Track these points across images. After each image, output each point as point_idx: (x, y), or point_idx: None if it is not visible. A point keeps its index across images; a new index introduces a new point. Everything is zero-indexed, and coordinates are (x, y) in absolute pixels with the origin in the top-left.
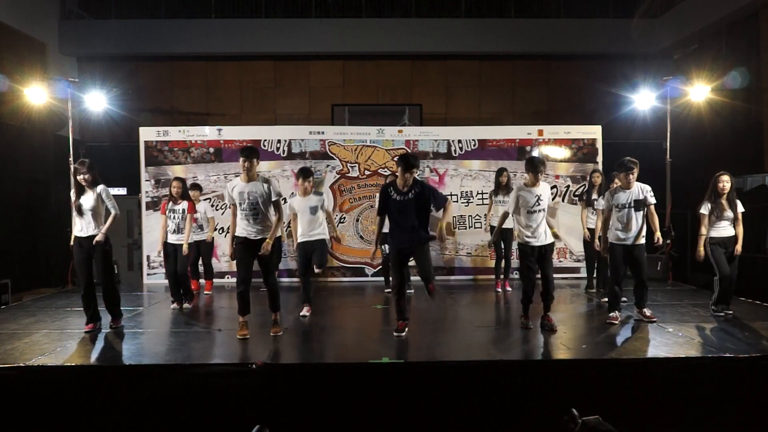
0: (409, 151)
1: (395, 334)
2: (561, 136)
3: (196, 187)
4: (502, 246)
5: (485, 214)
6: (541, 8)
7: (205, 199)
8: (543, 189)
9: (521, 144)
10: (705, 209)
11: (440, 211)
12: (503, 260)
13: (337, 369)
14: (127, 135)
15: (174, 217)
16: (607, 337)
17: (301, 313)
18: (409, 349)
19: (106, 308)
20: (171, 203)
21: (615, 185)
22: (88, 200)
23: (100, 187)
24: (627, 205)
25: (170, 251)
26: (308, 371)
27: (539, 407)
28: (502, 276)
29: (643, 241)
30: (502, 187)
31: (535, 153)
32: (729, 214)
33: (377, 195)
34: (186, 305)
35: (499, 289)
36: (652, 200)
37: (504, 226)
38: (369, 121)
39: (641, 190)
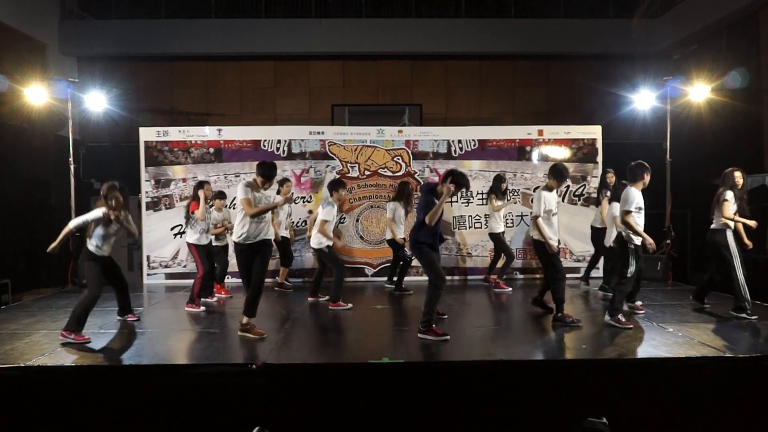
0: (410, 151)
1: (446, 339)
2: (561, 136)
3: (222, 195)
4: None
5: (486, 214)
6: (541, 8)
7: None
8: (555, 193)
9: (521, 144)
10: (730, 196)
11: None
12: (507, 258)
13: (337, 369)
14: (127, 135)
15: (209, 221)
16: (607, 337)
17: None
18: (409, 349)
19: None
20: (206, 206)
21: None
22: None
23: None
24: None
25: (210, 253)
26: (308, 371)
27: (539, 407)
28: (495, 275)
29: None
30: (500, 193)
31: (534, 153)
32: (735, 208)
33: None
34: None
35: (502, 289)
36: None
37: (499, 229)
38: (369, 121)
39: None
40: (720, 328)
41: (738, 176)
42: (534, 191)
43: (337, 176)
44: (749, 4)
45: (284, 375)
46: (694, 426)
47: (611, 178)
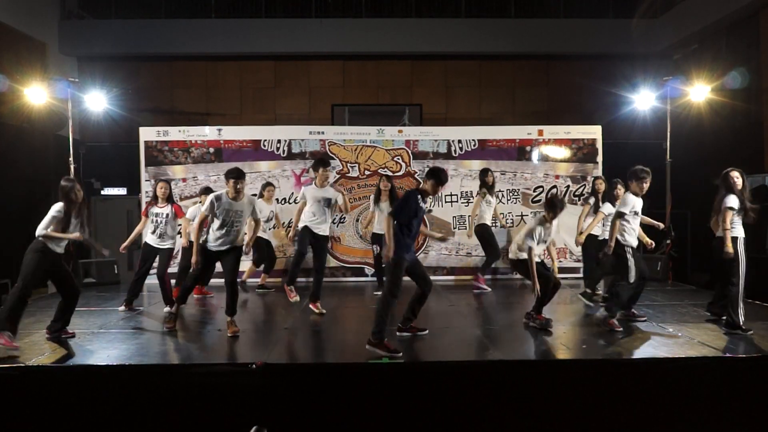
0: (410, 151)
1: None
2: (561, 136)
3: (209, 191)
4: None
5: (470, 215)
6: (541, 8)
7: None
8: (554, 225)
9: (521, 144)
10: (734, 203)
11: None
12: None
13: (337, 369)
14: (127, 135)
15: (157, 221)
16: (607, 337)
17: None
18: (409, 349)
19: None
20: (154, 206)
21: (618, 192)
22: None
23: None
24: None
25: (149, 253)
26: (308, 371)
27: (539, 407)
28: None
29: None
30: (489, 187)
31: (535, 153)
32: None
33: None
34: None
35: (483, 286)
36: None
37: (484, 221)
38: (369, 121)
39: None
40: (720, 328)
41: (735, 176)
42: (534, 191)
43: (337, 173)
44: (749, 4)
45: (284, 375)
46: (694, 426)
47: (600, 185)
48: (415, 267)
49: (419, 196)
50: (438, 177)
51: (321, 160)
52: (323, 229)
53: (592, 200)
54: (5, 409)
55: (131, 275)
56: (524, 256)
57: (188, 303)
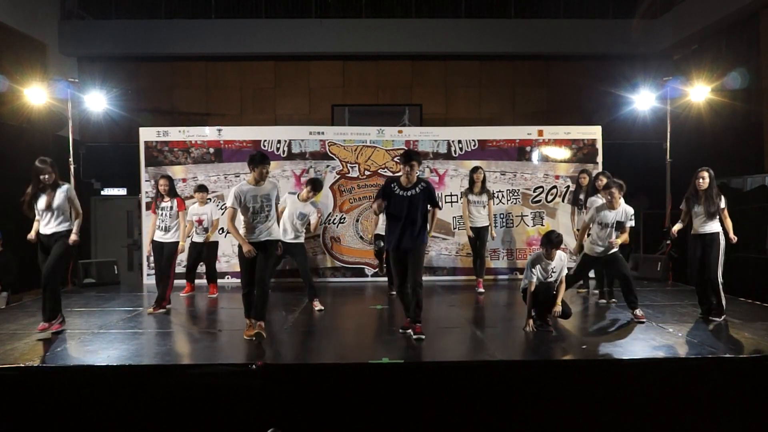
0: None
1: (400, 330)
2: (561, 136)
3: (203, 188)
4: (477, 244)
5: (462, 215)
6: (541, 8)
7: (209, 199)
8: (557, 261)
9: (521, 144)
10: (682, 204)
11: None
12: (478, 258)
13: (337, 369)
14: (127, 135)
15: (162, 215)
16: (607, 337)
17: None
18: (409, 349)
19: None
20: (159, 201)
21: (600, 183)
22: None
23: (66, 186)
24: (611, 225)
25: (156, 249)
26: (308, 371)
27: (539, 407)
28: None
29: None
30: (476, 185)
31: (534, 153)
32: (699, 210)
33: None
34: (161, 310)
35: (481, 289)
36: (631, 223)
37: (478, 225)
38: (369, 122)
39: (625, 211)
40: (720, 328)
41: (700, 176)
42: (534, 191)
43: (337, 173)
44: (749, 4)
45: (284, 375)
46: (694, 426)
47: (584, 179)
48: (405, 258)
49: (393, 184)
50: (404, 156)
51: (311, 180)
52: (292, 237)
53: (582, 196)
54: (5, 409)
55: (131, 276)
56: (524, 284)
57: (187, 302)
